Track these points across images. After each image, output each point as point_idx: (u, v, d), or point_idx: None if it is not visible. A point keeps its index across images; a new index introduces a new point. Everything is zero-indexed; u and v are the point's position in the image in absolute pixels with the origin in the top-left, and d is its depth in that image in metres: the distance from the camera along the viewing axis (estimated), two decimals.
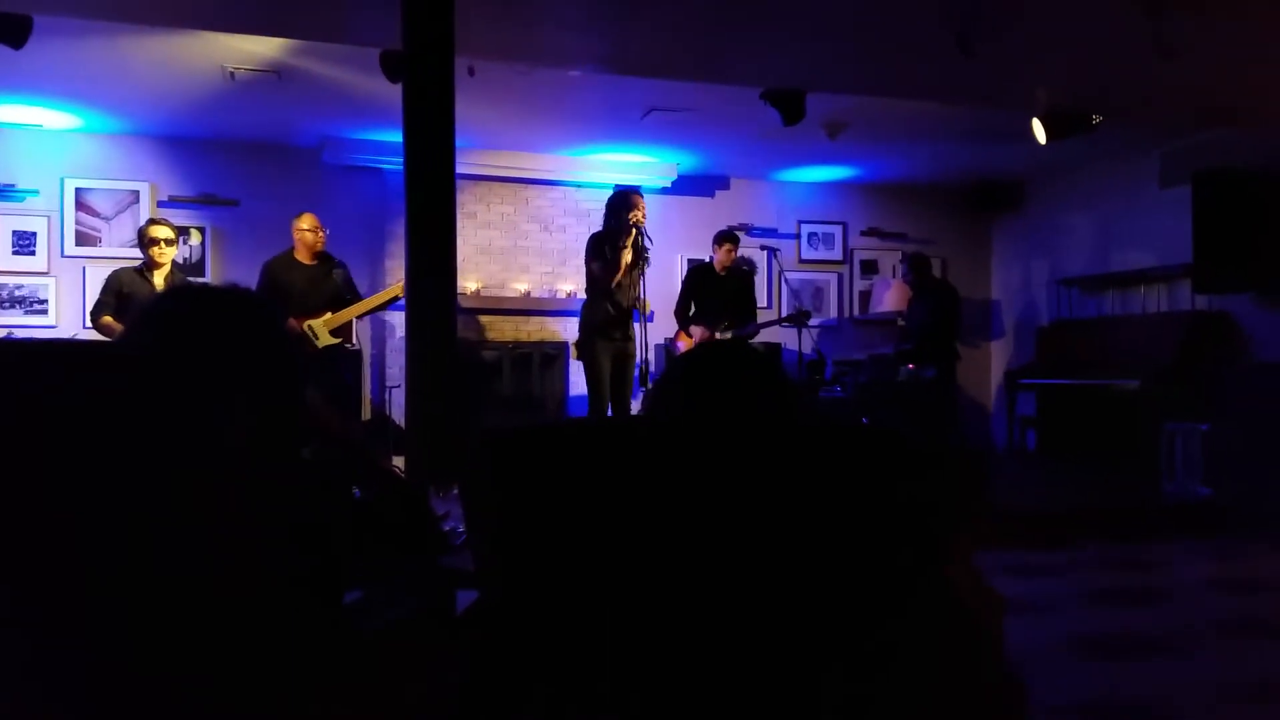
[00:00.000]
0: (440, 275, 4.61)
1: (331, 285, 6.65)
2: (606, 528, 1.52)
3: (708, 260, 8.08)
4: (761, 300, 9.75)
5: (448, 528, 2.35)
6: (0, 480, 1.53)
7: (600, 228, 6.61)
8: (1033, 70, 5.94)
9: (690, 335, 7.66)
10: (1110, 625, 4.36)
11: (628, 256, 6.40)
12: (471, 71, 5.84)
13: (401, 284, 6.59)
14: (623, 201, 6.46)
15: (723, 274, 7.86)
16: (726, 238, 7.96)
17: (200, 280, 7.66)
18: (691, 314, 7.79)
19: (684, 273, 9.40)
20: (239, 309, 1.72)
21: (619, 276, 6.43)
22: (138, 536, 1.50)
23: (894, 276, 10.12)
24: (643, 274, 6.54)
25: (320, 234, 6.71)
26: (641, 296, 6.58)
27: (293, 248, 6.71)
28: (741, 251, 9.60)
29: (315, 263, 6.70)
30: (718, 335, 7.56)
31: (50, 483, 1.55)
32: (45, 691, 1.51)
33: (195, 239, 8.18)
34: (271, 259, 6.73)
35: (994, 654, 1.66)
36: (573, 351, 8.35)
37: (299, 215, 6.78)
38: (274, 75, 6.47)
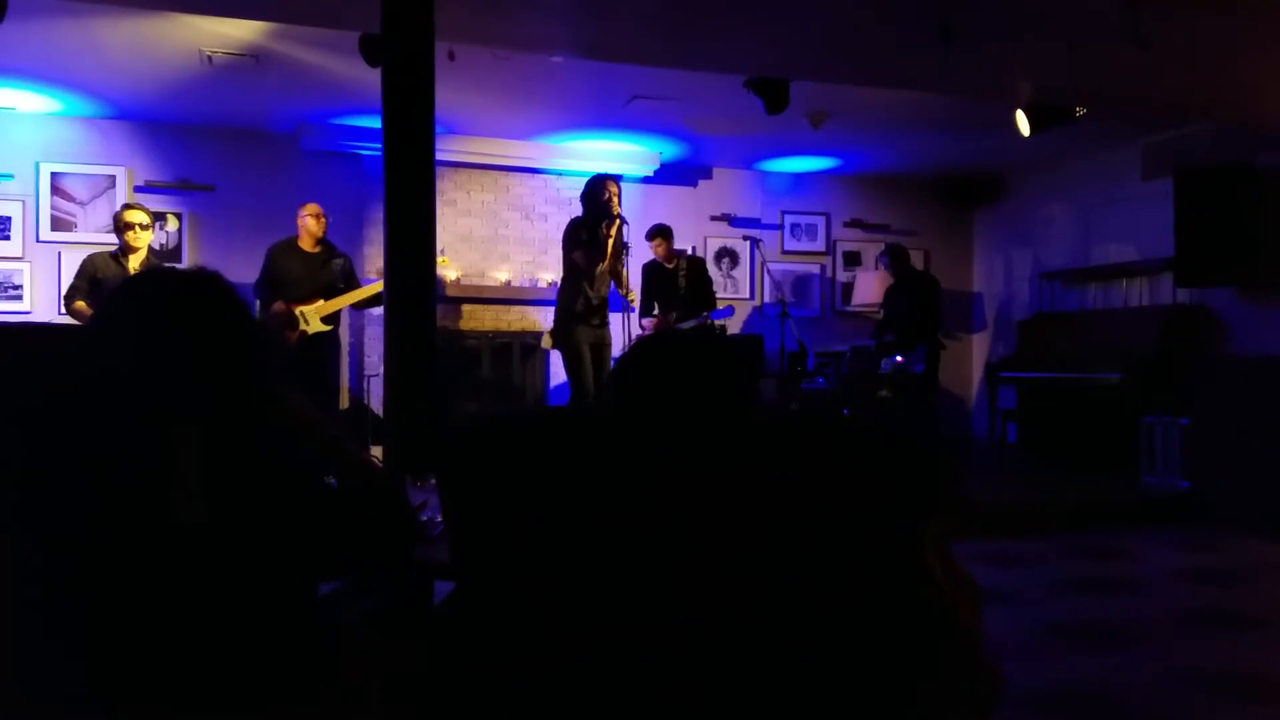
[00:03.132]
0: (419, 264, 4.55)
1: (328, 274, 6.76)
2: (583, 519, 1.51)
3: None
4: (744, 290, 9.77)
5: (425, 517, 2.33)
6: None
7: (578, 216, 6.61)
8: (1015, 61, 5.93)
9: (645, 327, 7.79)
10: (1085, 614, 4.40)
11: (611, 243, 6.39)
12: (452, 56, 5.80)
13: None
14: (598, 187, 6.44)
15: (671, 266, 7.88)
16: (651, 234, 7.95)
17: (172, 265, 7.60)
18: (655, 311, 7.88)
19: None
20: (203, 291, 1.70)
21: (604, 265, 6.41)
22: (104, 521, 1.50)
23: (875, 268, 10.13)
24: (624, 263, 6.54)
25: (321, 222, 6.81)
26: (627, 287, 6.61)
27: (297, 235, 6.82)
28: (725, 242, 9.65)
29: (317, 250, 6.81)
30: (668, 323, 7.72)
31: (14, 462, 1.53)
32: (33, 671, 1.49)
33: (172, 224, 8.12)
34: (274, 244, 6.84)
35: (971, 642, 1.66)
36: (544, 340, 8.31)
37: (304, 204, 6.88)
38: (251, 59, 6.41)
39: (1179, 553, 5.71)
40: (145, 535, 1.50)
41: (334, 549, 1.78)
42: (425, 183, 4.59)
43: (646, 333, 7.79)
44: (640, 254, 8.40)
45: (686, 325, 7.58)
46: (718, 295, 8.25)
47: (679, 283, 7.81)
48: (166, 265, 6.43)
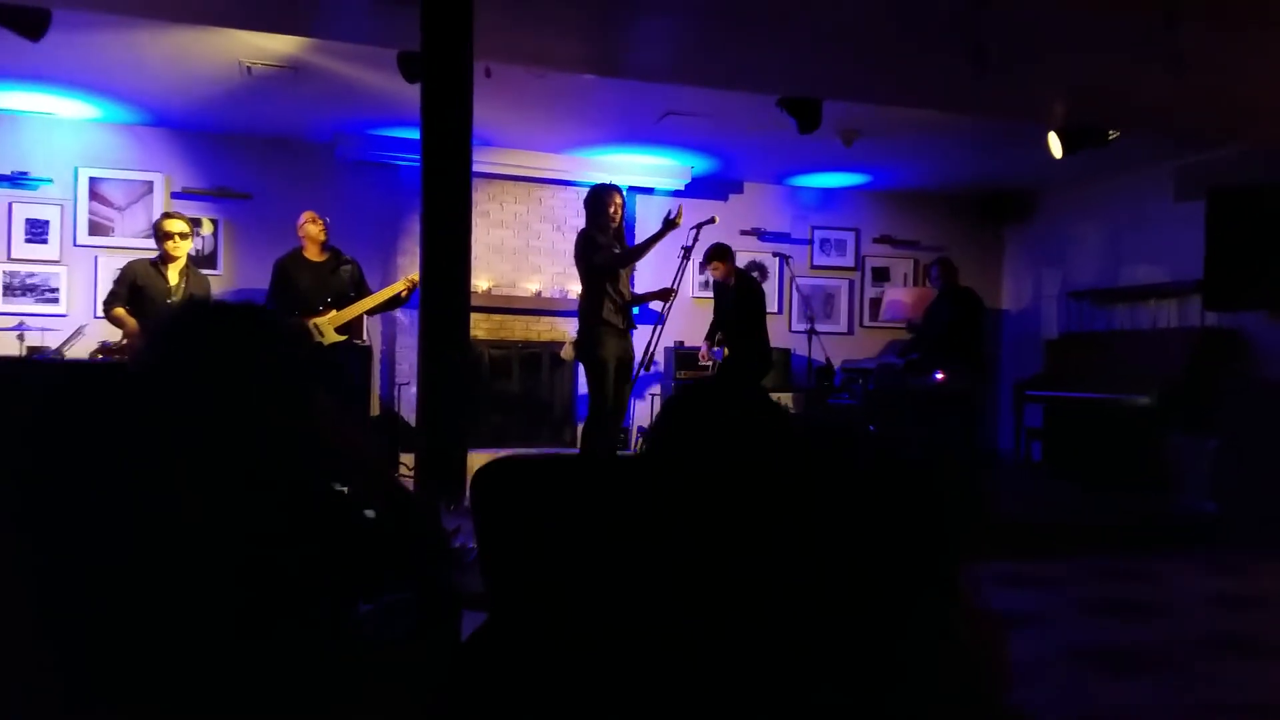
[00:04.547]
0: (455, 277, 4.62)
1: (338, 282, 6.70)
2: (614, 559, 1.56)
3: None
4: (772, 305, 9.75)
5: (458, 544, 2.36)
6: (13, 484, 1.56)
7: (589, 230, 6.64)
8: (1048, 84, 5.94)
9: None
10: (1110, 639, 4.36)
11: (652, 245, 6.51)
12: (488, 73, 5.86)
13: (404, 281, 6.72)
14: (604, 196, 6.46)
15: (730, 289, 7.86)
16: (708, 256, 7.89)
17: (213, 274, 7.66)
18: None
19: (694, 275, 9.42)
20: (245, 325, 1.74)
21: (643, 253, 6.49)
22: (140, 546, 1.53)
23: (905, 284, 10.12)
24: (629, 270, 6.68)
25: (319, 225, 6.73)
26: (674, 288, 6.73)
27: (301, 246, 6.76)
28: (754, 256, 9.64)
29: (324, 258, 6.75)
30: (713, 345, 7.91)
31: (58, 493, 1.58)
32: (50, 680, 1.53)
33: (207, 229, 8.19)
34: (281, 257, 6.77)
35: (992, 675, 1.68)
36: (566, 350, 8.28)
37: (301, 214, 6.82)
38: (290, 71, 6.48)
39: (1207, 577, 5.65)
40: (169, 554, 1.53)
41: (366, 574, 1.82)
42: (462, 197, 4.65)
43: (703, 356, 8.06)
44: (670, 269, 8.45)
45: (714, 354, 7.77)
46: None
47: (729, 304, 7.84)
48: (211, 297, 6.37)
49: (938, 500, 1.56)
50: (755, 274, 9.67)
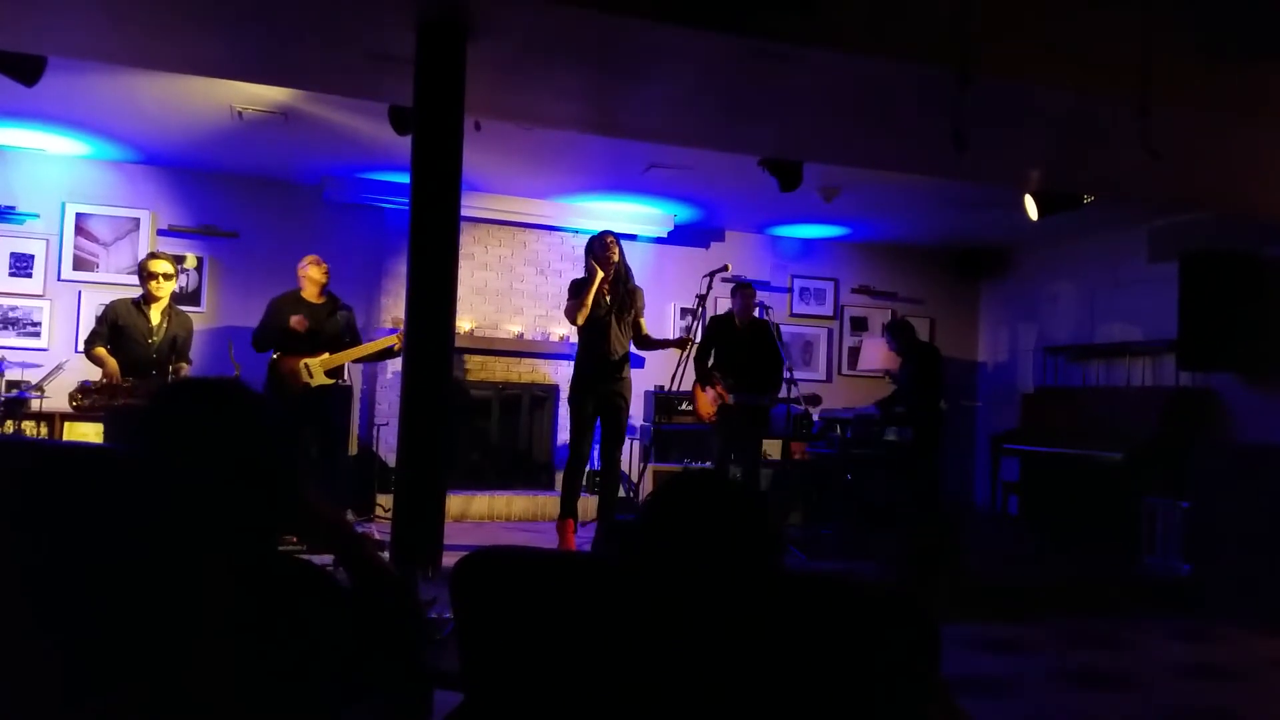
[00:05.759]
0: (438, 331, 4.66)
1: (334, 326, 6.77)
2: (596, 663, 1.57)
3: (727, 310, 7.67)
4: None
5: (434, 615, 2.39)
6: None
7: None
8: (1026, 158, 6.05)
9: (705, 391, 7.27)
10: (1080, 709, 4.39)
11: (589, 298, 6.39)
12: (478, 126, 5.95)
13: (397, 337, 6.73)
14: (597, 242, 6.52)
15: (740, 326, 7.45)
16: (735, 288, 7.65)
17: (196, 311, 7.67)
18: (711, 365, 7.36)
19: (676, 320, 9.51)
20: (224, 405, 1.75)
21: (585, 312, 6.39)
22: (116, 629, 1.53)
23: (881, 335, 10.21)
24: (640, 311, 6.64)
25: (323, 268, 6.85)
26: (691, 336, 6.88)
27: (300, 287, 6.85)
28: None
29: (321, 302, 6.83)
30: (726, 395, 7.18)
31: (38, 580, 1.60)
32: None
33: (191, 263, 8.20)
34: (278, 296, 6.85)
35: None
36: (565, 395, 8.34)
37: (304, 257, 6.90)
38: (280, 117, 6.55)
39: (1178, 644, 5.62)
40: (145, 637, 1.53)
41: (339, 650, 1.83)
42: (449, 248, 4.70)
43: (709, 398, 7.24)
44: (654, 314, 8.45)
45: (736, 399, 7.14)
46: None
47: (745, 343, 7.37)
48: (195, 378, 6.39)
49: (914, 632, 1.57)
50: (764, 318, 9.73)
